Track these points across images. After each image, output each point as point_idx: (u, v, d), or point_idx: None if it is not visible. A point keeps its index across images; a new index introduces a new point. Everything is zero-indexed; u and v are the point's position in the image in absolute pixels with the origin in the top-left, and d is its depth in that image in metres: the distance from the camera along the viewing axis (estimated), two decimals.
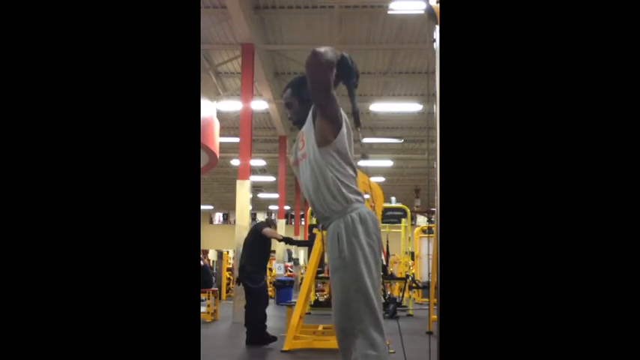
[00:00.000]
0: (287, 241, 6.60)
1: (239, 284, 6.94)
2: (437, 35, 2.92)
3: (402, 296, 10.78)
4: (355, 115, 2.29)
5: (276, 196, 20.71)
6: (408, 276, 10.79)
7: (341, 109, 2.26)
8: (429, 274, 10.24)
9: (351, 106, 2.30)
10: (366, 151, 17.53)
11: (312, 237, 6.68)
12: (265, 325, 6.38)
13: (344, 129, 2.26)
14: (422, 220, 22.99)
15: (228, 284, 14.82)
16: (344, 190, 2.22)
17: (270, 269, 16.51)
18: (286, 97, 2.45)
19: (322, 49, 2.10)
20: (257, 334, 6.26)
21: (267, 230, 6.45)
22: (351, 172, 2.28)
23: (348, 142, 2.28)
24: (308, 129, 2.29)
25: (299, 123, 2.37)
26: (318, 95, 2.20)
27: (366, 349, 2.10)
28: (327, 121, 2.22)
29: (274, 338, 6.25)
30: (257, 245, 6.46)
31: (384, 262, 11.16)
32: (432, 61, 3.01)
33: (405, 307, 10.47)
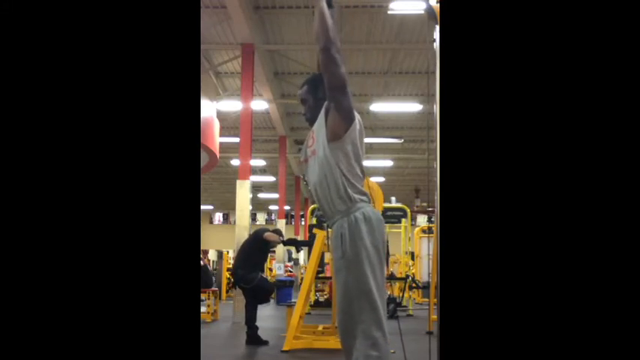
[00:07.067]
0: (289, 242, 6.61)
1: (235, 288, 6.98)
2: (437, 35, 2.92)
3: (402, 296, 10.76)
4: None
5: (276, 196, 20.70)
6: (408, 276, 10.77)
7: (355, 111, 2.30)
8: (429, 274, 10.23)
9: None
10: (366, 151, 17.50)
11: (312, 237, 6.66)
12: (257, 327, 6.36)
13: (356, 125, 2.29)
14: (422, 220, 22.99)
15: (228, 284, 14.80)
16: (349, 190, 2.23)
17: (270, 269, 16.50)
18: (302, 93, 2.48)
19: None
20: (252, 333, 6.27)
21: (268, 234, 6.47)
22: (359, 172, 2.29)
23: (359, 141, 2.30)
24: (319, 126, 2.32)
25: (312, 120, 2.40)
26: (334, 91, 2.23)
27: (368, 349, 2.10)
28: (341, 116, 2.25)
29: (266, 342, 6.25)
30: (253, 249, 6.49)
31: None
32: (432, 61, 3.01)
33: (405, 307, 10.46)
